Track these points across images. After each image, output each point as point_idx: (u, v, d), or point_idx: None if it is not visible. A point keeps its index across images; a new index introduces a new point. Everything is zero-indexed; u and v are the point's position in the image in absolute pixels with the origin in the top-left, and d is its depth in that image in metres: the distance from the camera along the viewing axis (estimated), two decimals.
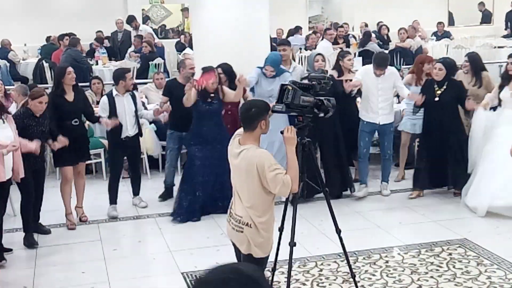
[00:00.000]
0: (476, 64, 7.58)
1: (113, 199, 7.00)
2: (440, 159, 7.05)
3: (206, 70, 6.69)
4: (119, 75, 6.92)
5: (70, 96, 6.56)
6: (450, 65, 7.09)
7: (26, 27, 14.37)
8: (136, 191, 7.26)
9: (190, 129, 6.86)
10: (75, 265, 5.74)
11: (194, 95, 6.59)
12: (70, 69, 6.64)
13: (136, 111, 6.92)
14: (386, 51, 13.43)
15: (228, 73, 7.19)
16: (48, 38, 14.01)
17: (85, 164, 6.95)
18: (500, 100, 6.88)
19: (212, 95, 6.64)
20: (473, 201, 6.68)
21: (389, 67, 7.27)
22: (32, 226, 6.23)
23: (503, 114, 6.83)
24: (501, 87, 6.89)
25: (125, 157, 7.24)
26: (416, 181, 7.35)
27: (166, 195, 7.42)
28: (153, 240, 6.31)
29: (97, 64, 12.46)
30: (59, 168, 7.00)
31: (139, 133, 7.07)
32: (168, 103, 7.16)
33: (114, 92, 6.87)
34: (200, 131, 6.72)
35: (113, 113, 6.75)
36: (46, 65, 12.12)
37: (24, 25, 14.43)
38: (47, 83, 11.17)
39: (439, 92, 6.96)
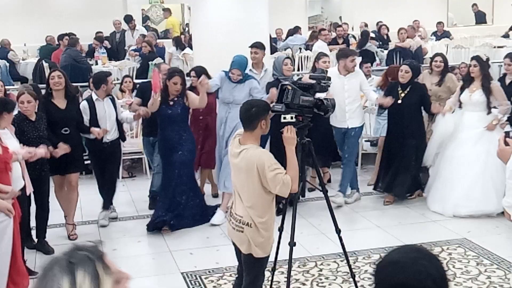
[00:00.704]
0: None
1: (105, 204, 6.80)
2: (395, 163, 6.99)
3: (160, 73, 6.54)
4: (100, 79, 6.60)
5: (61, 103, 6.17)
6: (416, 68, 7.04)
7: (25, 27, 14.35)
8: (107, 204, 6.78)
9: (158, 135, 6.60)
10: None
11: (159, 102, 6.29)
12: (54, 73, 6.22)
13: (116, 115, 6.65)
14: (386, 51, 13.52)
15: (200, 76, 6.80)
16: (47, 37, 14.02)
17: (77, 176, 6.45)
18: (460, 103, 6.82)
19: (175, 98, 6.33)
20: (436, 206, 6.72)
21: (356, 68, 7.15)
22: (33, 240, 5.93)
23: (463, 117, 6.77)
24: (462, 89, 6.82)
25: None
26: (379, 185, 7.29)
27: (152, 204, 7.14)
28: (152, 240, 6.31)
29: (96, 64, 12.45)
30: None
31: (121, 138, 6.79)
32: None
33: (94, 97, 6.55)
34: (163, 136, 6.43)
35: (93, 117, 6.45)
36: (45, 65, 12.12)
37: (23, 25, 14.41)
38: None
39: (402, 95, 6.88)
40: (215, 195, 7.44)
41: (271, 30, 10.72)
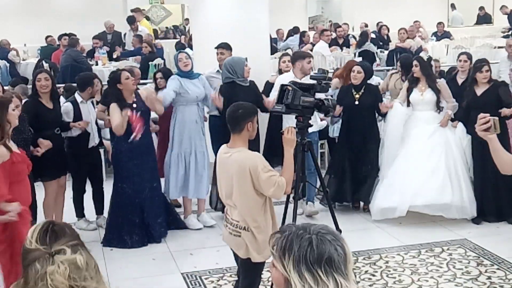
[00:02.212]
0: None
1: (80, 213, 6.58)
2: (359, 166, 6.79)
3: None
4: (87, 81, 6.43)
5: (49, 104, 6.05)
6: (368, 69, 6.96)
7: (26, 27, 14.34)
8: (100, 210, 6.63)
9: (117, 145, 6.13)
10: None
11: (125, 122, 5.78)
12: (41, 75, 6.02)
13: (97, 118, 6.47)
14: (386, 51, 13.52)
15: (167, 78, 6.80)
16: (47, 37, 14.00)
17: (66, 178, 6.32)
18: (409, 103, 6.75)
19: (135, 99, 5.95)
20: (387, 203, 6.45)
21: None
22: None
23: (413, 116, 6.73)
24: (409, 90, 6.75)
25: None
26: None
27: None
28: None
29: (97, 64, 12.44)
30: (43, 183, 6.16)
31: (101, 143, 6.66)
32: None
33: (79, 99, 6.33)
34: (125, 144, 5.92)
35: (77, 120, 6.22)
36: (46, 65, 12.11)
37: (23, 25, 14.40)
38: None
39: (357, 96, 6.73)
40: (177, 206, 6.96)
41: (271, 31, 10.72)
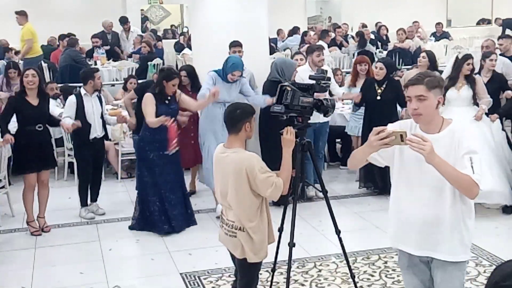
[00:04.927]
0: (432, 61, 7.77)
1: (84, 202, 6.87)
2: None
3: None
4: (88, 75, 6.70)
5: (34, 100, 6.28)
6: (390, 65, 7.34)
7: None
8: (94, 197, 6.96)
9: (142, 134, 6.40)
10: (73, 265, 5.73)
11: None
12: (28, 72, 6.29)
13: (102, 112, 6.75)
14: (385, 52, 13.53)
15: (191, 76, 7.20)
16: (48, 39, 14.00)
17: (49, 173, 6.55)
18: (445, 101, 6.95)
19: (169, 97, 6.30)
20: None
21: None
22: None
23: (448, 110, 6.82)
24: (446, 88, 6.87)
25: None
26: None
27: None
28: (151, 240, 6.29)
29: (96, 64, 12.44)
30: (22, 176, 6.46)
31: (105, 137, 6.88)
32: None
33: (83, 92, 6.65)
34: (156, 136, 6.20)
35: (81, 113, 6.53)
36: (45, 65, 12.11)
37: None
38: (45, 83, 11.14)
39: (379, 91, 7.09)
40: (192, 192, 7.54)
41: (270, 31, 10.72)
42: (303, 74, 6.66)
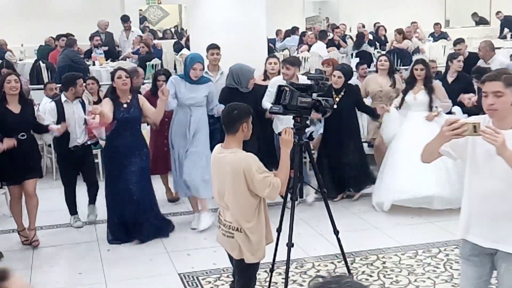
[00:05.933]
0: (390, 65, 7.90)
1: (73, 210, 6.71)
2: (339, 164, 7.12)
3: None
4: (70, 81, 6.43)
5: (15, 108, 5.87)
6: (348, 72, 7.26)
7: (23, 28, 14.33)
8: (91, 200, 6.80)
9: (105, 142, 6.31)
10: (72, 266, 5.72)
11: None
12: (10, 77, 5.82)
13: (85, 119, 6.44)
14: (383, 52, 13.52)
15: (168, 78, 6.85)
16: (45, 39, 14.00)
17: (34, 182, 6.07)
18: (404, 104, 7.05)
19: (128, 100, 6.06)
20: (377, 198, 6.93)
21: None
22: None
23: (407, 115, 7.02)
24: (405, 92, 7.05)
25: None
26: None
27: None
28: (150, 241, 6.29)
29: (94, 64, 12.43)
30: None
31: (95, 143, 6.71)
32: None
33: (63, 98, 6.39)
34: (113, 143, 6.11)
35: (61, 120, 6.29)
36: (43, 65, 12.11)
37: (21, 25, 14.40)
38: (43, 84, 11.13)
39: (337, 99, 7.03)
40: (172, 200, 7.35)
41: (269, 31, 10.73)
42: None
